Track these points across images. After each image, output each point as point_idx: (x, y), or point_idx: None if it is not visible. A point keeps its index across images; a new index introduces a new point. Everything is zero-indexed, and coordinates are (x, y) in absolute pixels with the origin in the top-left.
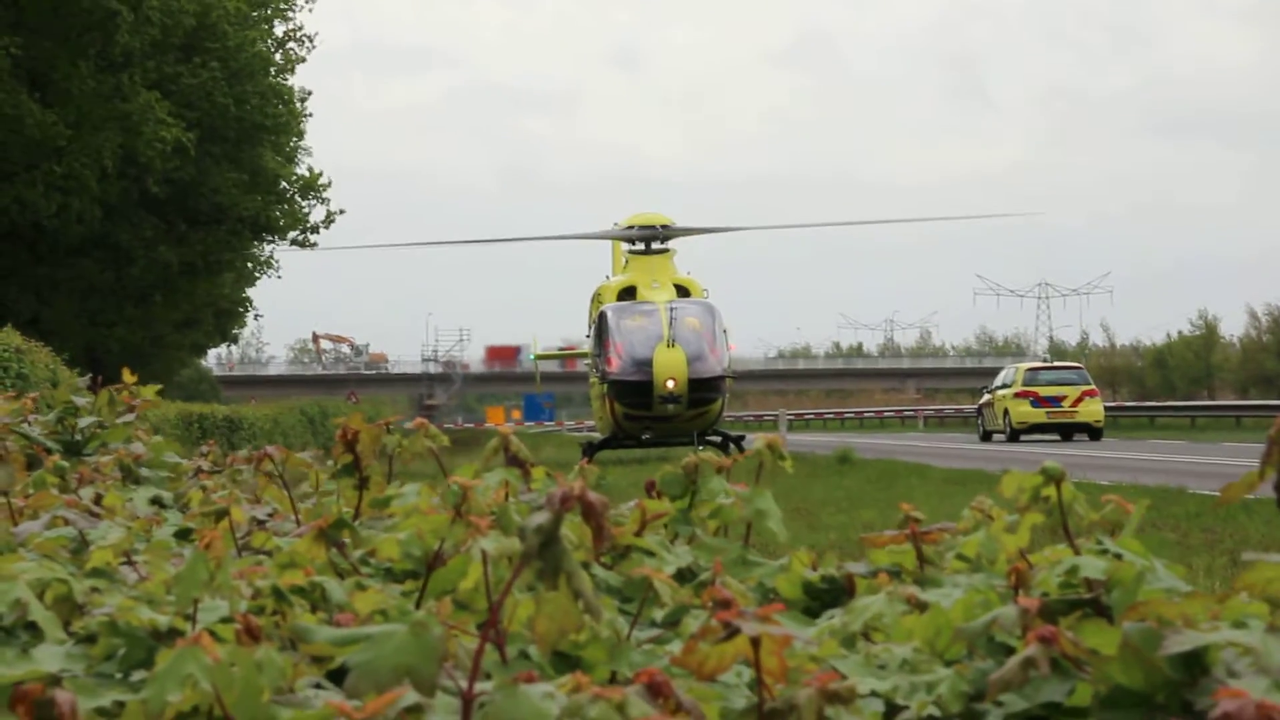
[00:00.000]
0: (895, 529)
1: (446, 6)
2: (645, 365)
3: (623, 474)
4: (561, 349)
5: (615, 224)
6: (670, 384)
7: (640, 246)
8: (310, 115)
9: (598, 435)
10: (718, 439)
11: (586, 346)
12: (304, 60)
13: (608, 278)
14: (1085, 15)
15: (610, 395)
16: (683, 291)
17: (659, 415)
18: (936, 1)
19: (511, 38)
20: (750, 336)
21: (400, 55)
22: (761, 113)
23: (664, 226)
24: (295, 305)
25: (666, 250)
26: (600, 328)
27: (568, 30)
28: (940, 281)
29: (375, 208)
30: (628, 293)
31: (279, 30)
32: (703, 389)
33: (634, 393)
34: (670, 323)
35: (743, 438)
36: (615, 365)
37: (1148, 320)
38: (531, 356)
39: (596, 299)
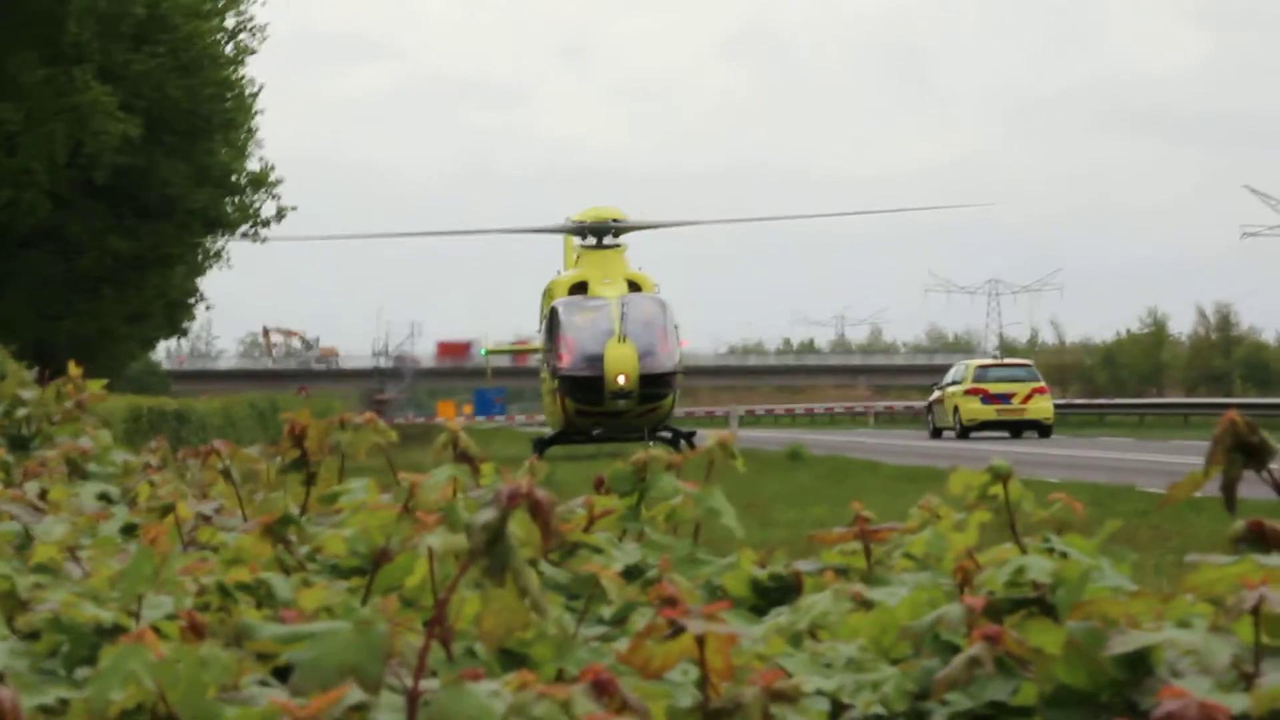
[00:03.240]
0: (845, 526)
1: None
2: (596, 361)
3: (573, 470)
4: (514, 345)
5: (567, 218)
6: (621, 380)
7: (592, 241)
8: (262, 111)
9: (549, 430)
10: (668, 435)
11: (538, 342)
12: (255, 52)
13: (559, 272)
14: (1031, 13)
15: (561, 391)
16: (634, 287)
17: (610, 411)
18: None
19: (459, 30)
20: (702, 332)
21: (346, 46)
22: (711, 106)
23: (615, 221)
24: (246, 298)
25: (618, 245)
26: (551, 323)
27: (515, 22)
28: (891, 278)
29: (323, 200)
30: (579, 288)
31: (230, 22)
32: (654, 385)
33: (585, 388)
34: (621, 318)
35: (694, 434)
36: (566, 361)
37: (1098, 318)
38: (483, 352)
39: (548, 294)
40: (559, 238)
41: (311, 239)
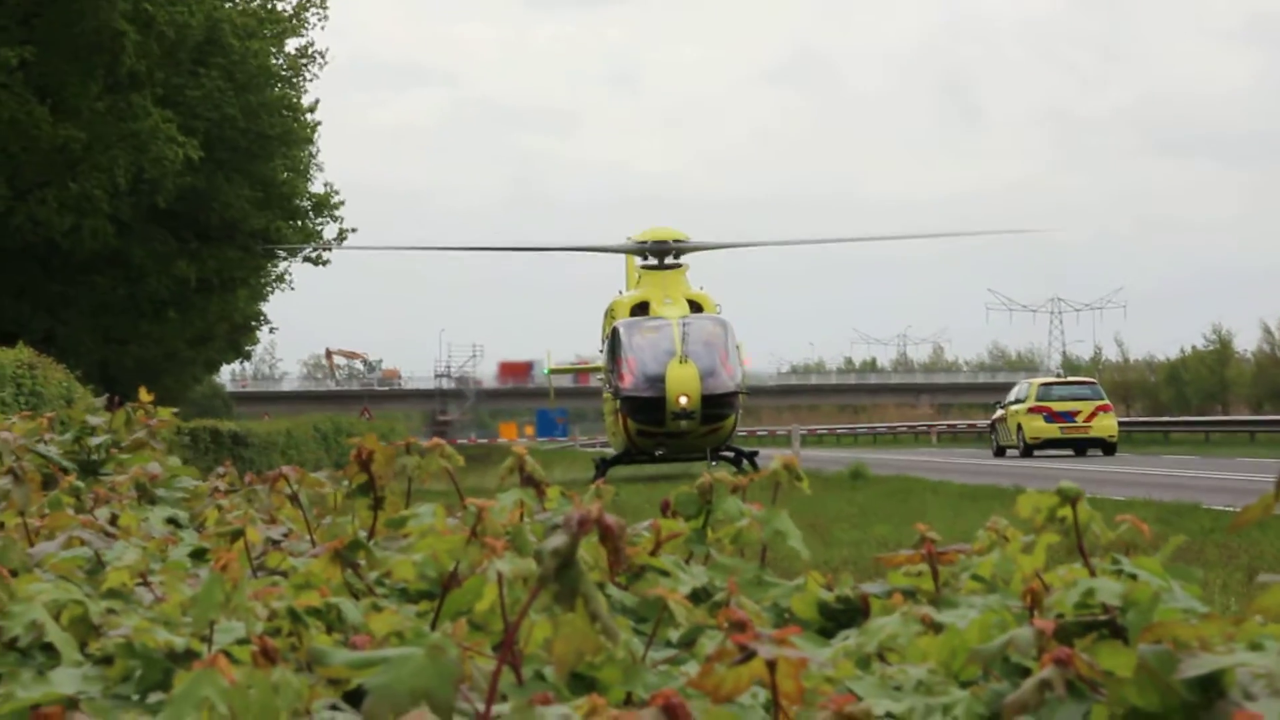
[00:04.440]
0: (910, 548)
1: (441, 25)
2: (658, 381)
3: (635, 491)
4: (575, 364)
5: (628, 238)
6: (683, 400)
7: (654, 261)
8: (319, 125)
9: (610, 451)
10: (730, 455)
11: (600, 361)
12: (317, 77)
13: (620, 292)
14: (1076, 35)
15: (623, 411)
16: (696, 307)
17: (672, 431)
18: (927, 20)
19: (508, 56)
20: (763, 352)
21: (397, 72)
22: (759, 130)
23: (677, 241)
24: (309, 321)
25: (680, 265)
26: (613, 343)
27: (564, 50)
28: (953, 296)
29: (375, 224)
30: (641, 308)
31: (291, 47)
32: (716, 405)
33: (647, 409)
34: (683, 339)
35: (756, 454)
36: (628, 381)
37: (1161, 335)
38: (546, 370)
39: (610, 314)
40: (620, 259)
41: (378, 248)
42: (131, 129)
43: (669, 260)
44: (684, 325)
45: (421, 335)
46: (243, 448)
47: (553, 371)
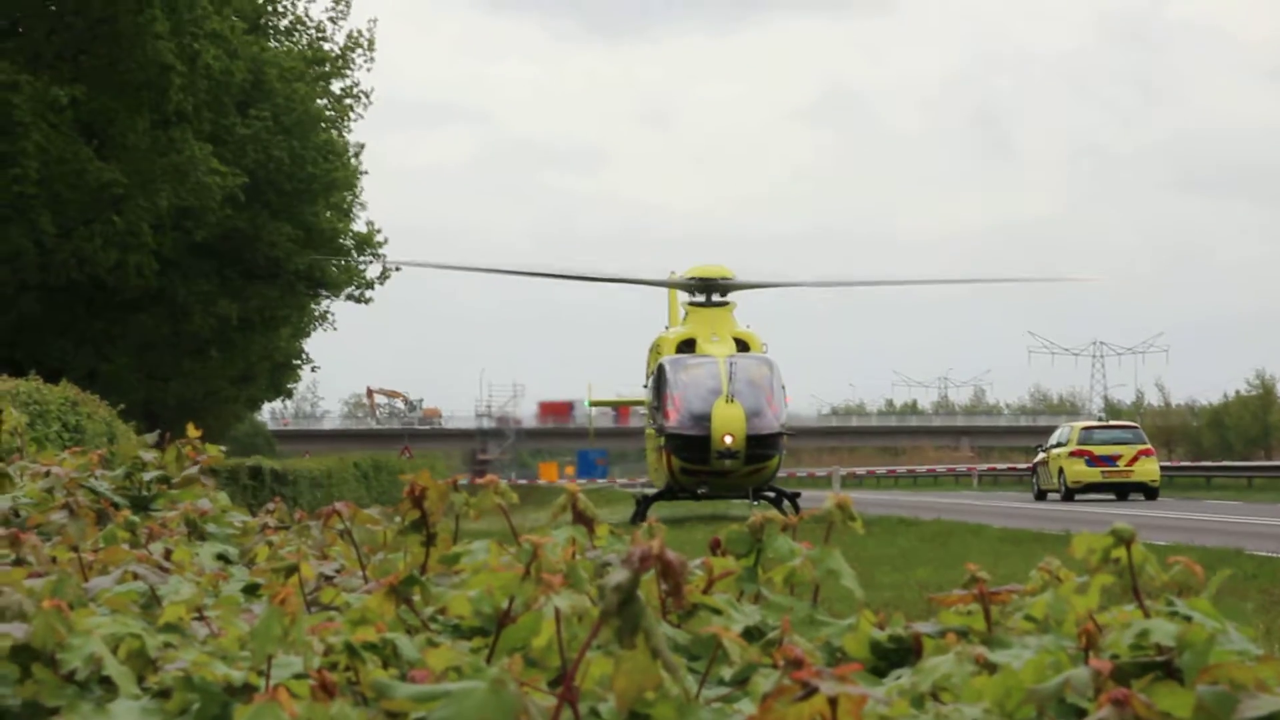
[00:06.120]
0: (960, 588)
1: (473, 64)
2: (703, 420)
3: (671, 536)
4: (617, 398)
5: (671, 273)
6: (728, 440)
7: (701, 298)
8: (366, 173)
9: (652, 490)
10: (772, 495)
11: (643, 395)
12: (362, 117)
13: (666, 329)
14: (1108, 71)
15: (667, 449)
16: (742, 345)
17: (716, 470)
18: (958, 57)
19: (540, 96)
20: (803, 393)
21: (428, 112)
22: (791, 168)
23: (724, 279)
24: (350, 360)
25: (727, 304)
26: (659, 380)
27: (596, 89)
28: (994, 338)
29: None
30: (687, 345)
31: (336, 87)
32: (760, 445)
33: (691, 447)
34: (729, 378)
35: (798, 495)
36: (673, 419)
37: (1203, 379)
38: (587, 403)
39: (655, 350)
40: (661, 296)
41: (429, 265)
42: (174, 162)
43: (716, 298)
44: (731, 364)
45: (462, 374)
46: (283, 485)
47: (594, 404)
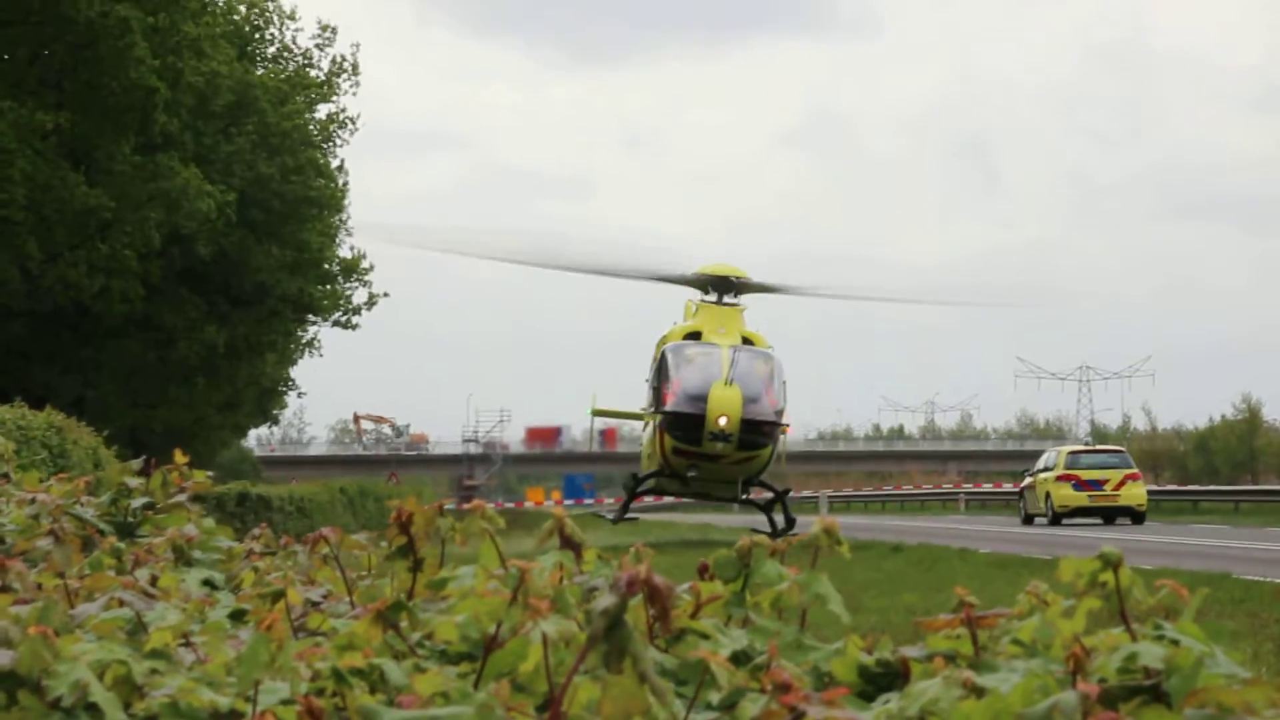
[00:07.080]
0: (947, 612)
1: (458, 91)
2: (700, 400)
3: (658, 560)
4: (617, 409)
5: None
6: (722, 421)
7: (713, 297)
8: (348, 190)
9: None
10: (762, 497)
11: (643, 410)
12: (347, 143)
13: (675, 324)
14: (1094, 99)
15: (661, 427)
16: (748, 344)
17: (707, 453)
18: (944, 82)
19: (525, 122)
20: (790, 418)
21: (413, 139)
22: (777, 193)
23: (738, 278)
24: (336, 386)
25: (737, 304)
26: (660, 365)
27: (581, 115)
28: (981, 363)
29: (397, 291)
30: (693, 337)
31: (323, 112)
32: (754, 431)
33: (685, 426)
34: (731, 363)
35: (788, 491)
36: (670, 399)
37: (1190, 404)
38: (589, 411)
39: (661, 344)
40: (669, 308)
41: (424, 247)
42: (162, 188)
43: (728, 299)
44: (734, 352)
45: (449, 400)
46: (269, 511)
47: (596, 413)
